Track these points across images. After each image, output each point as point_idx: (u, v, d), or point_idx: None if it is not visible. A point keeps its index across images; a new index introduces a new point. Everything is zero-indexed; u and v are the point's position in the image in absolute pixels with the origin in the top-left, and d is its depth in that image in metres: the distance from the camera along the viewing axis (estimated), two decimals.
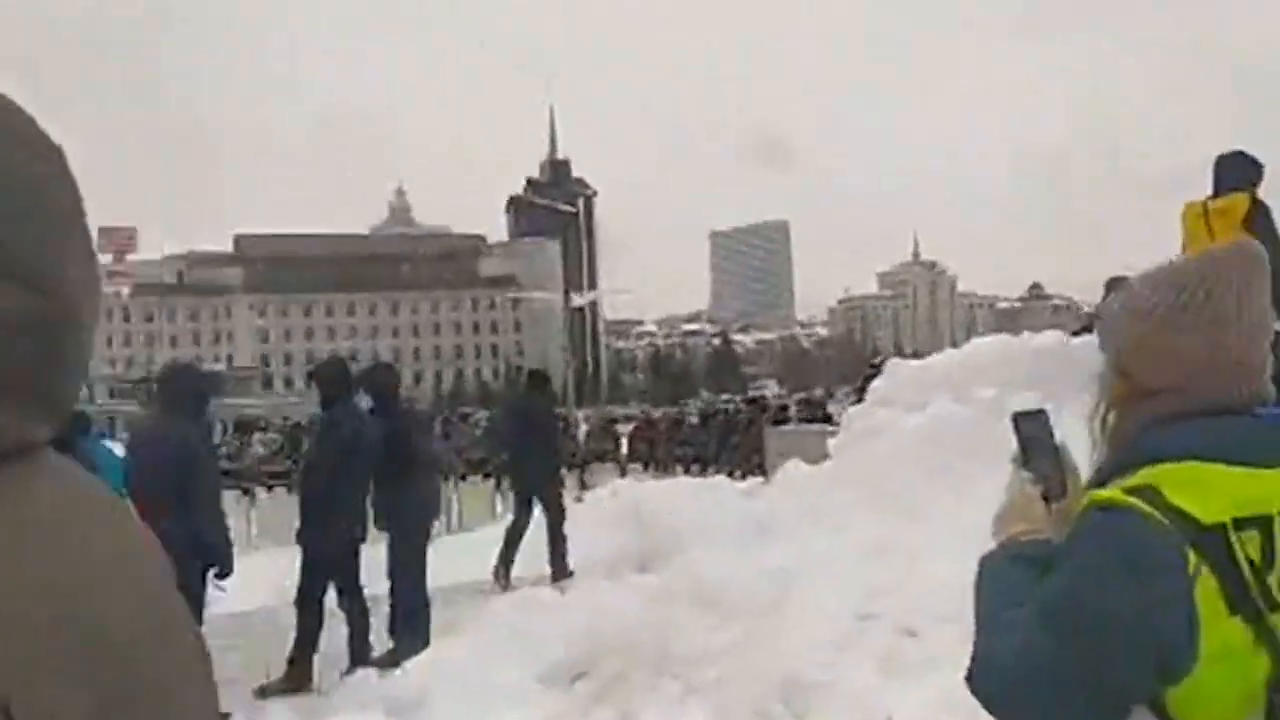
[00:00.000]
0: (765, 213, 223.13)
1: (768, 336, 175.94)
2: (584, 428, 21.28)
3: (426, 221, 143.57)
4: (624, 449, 18.01)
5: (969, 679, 1.35)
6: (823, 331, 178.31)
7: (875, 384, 7.31)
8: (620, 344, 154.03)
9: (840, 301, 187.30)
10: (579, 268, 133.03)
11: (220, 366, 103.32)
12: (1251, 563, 1.28)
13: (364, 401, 6.37)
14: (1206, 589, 1.27)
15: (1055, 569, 1.33)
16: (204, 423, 6.03)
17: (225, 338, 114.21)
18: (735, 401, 26.48)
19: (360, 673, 5.18)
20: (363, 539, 6.10)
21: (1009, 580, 1.39)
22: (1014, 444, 1.52)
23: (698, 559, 5.39)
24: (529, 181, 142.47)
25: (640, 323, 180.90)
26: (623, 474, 17.19)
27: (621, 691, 4.22)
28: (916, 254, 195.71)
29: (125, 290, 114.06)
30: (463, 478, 16.35)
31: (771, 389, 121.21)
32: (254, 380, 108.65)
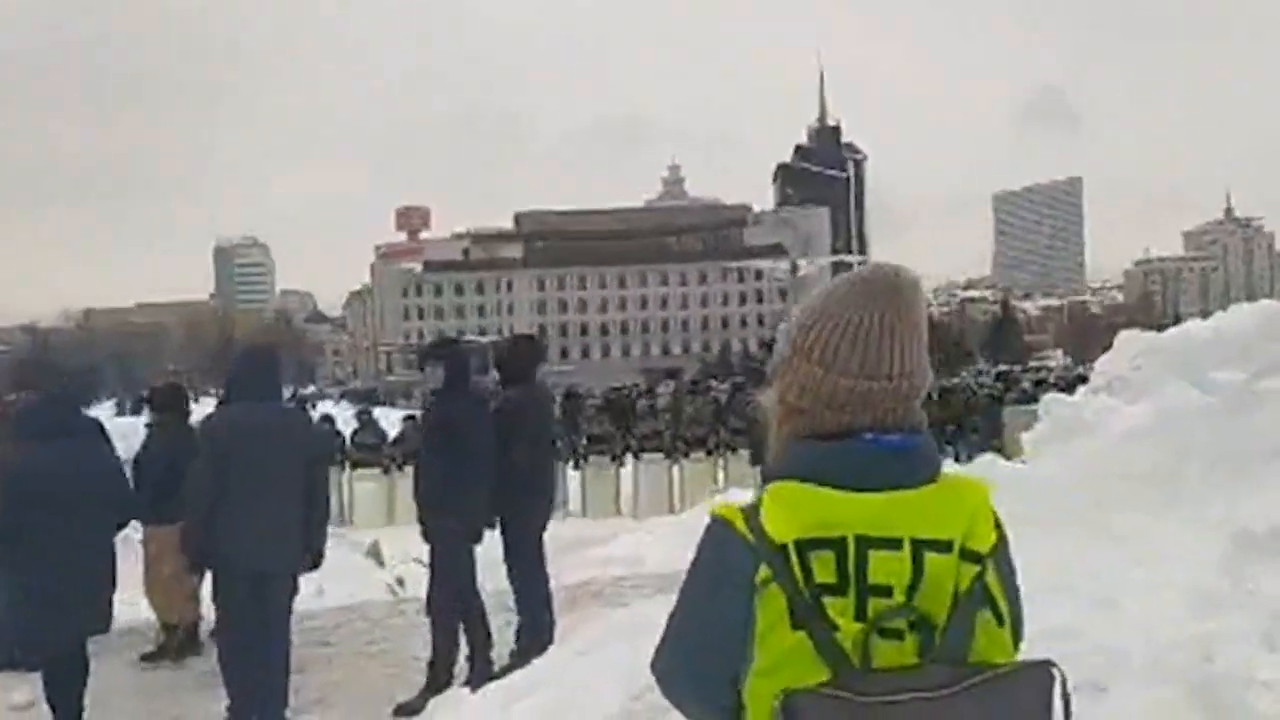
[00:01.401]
0: (1055, 172, 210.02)
1: (1054, 303, 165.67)
2: None
3: (698, 194, 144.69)
4: None
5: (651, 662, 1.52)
6: (1117, 297, 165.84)
7: (1101, 362, 6.06)
8: None
9: (1137, 264, 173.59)
10: (847, 235, 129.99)
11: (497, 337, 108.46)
12: (814, 582, 1.35)
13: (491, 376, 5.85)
14: (773, 604, 1.35)
15: None
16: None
17: (506, 310, 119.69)
18: (993, 371, 24.33)
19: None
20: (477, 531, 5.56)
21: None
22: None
23: None
24: (798, 149, 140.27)
25: None
26: None
27: None
28: (1229, 210, 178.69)
29: (418, 267, 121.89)
30: (686, 455, 15.74)
31: (1056, 359, 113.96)
32: None
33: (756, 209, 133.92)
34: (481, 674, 5.26)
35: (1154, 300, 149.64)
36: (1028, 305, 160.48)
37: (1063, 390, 14.64)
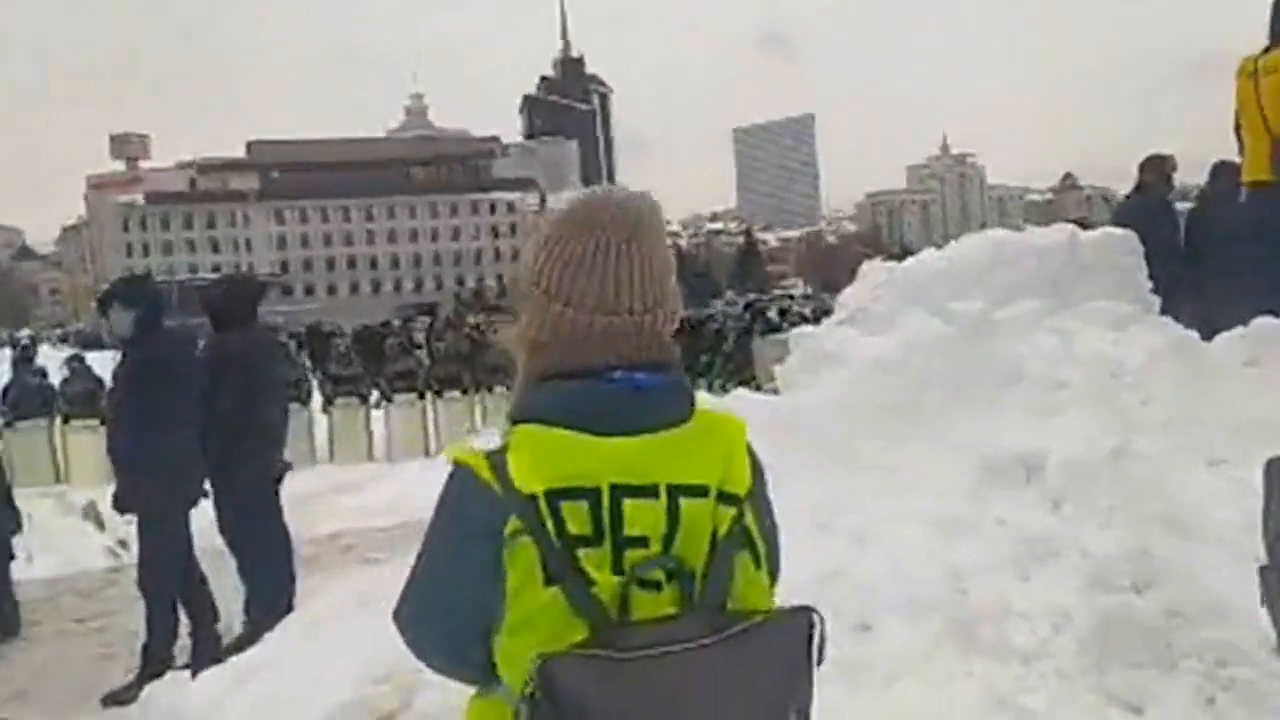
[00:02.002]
0: (789, 108, 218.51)
1: (793, 234, 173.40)
2: None
3: (443, 124, 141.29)
4: None
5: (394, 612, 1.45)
6: (850, 227, 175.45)
7: (842, 295, 6.10)
8: None
9: (867, 196, 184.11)
10: (597, 167, 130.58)
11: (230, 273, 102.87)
12: (568, 534, 1.28)
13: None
14: (524, 557, 1.28)
15: None
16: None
17: (244, 245, 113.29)
18: (740, 302, 25.07)
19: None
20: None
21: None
22: None
23: None
24: (543, 80, 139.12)
25: (666, 223, 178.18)
26: None
27: None
28: (945, 147, 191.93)
29: (139, 198, 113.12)
30: (440, 394, 15.25)
31: (798, 287, 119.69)
32: (273, 287, 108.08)
33: (505, 141, 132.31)
34: (205, 653, 4.77)
35: (882, 231, 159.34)
36: (769, 236, 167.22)
37: (809, 321, 15.14)
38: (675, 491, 1.32)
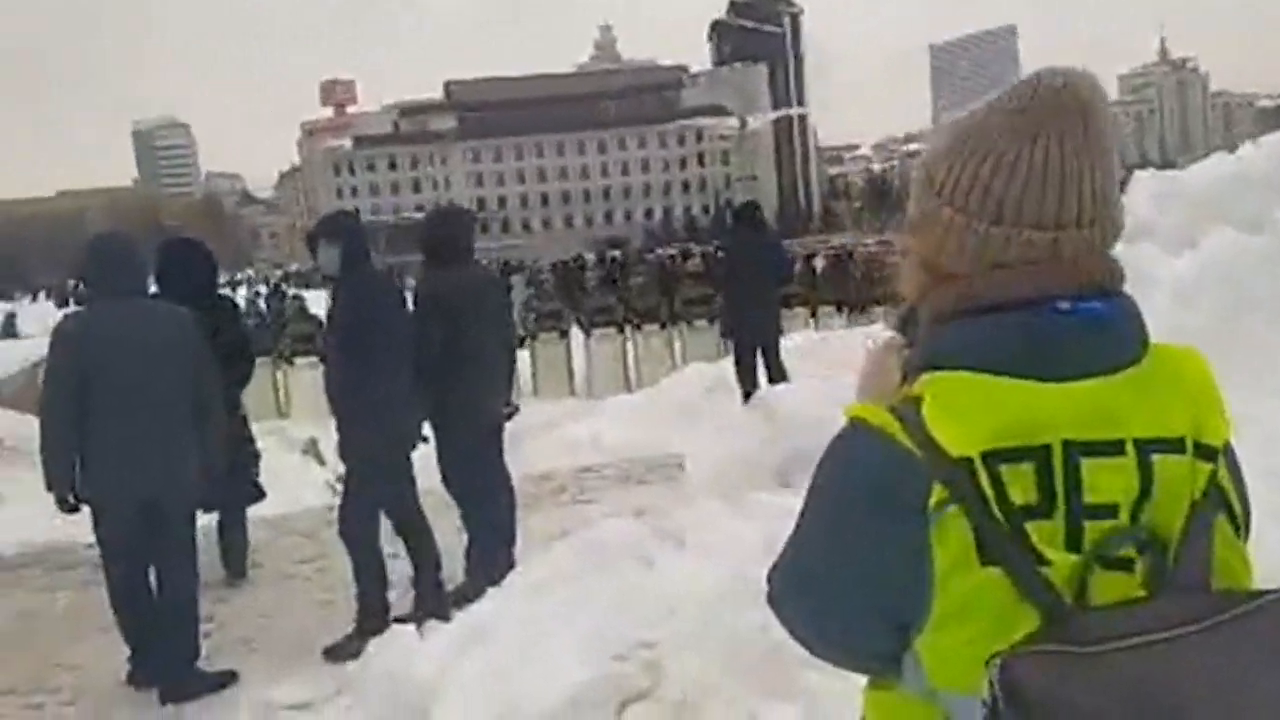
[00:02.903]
0: (989, 20, 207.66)
1: None
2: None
3: (632, 55, 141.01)
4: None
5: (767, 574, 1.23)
6: None
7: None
8: (835, 169, 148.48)
9: None
10: (786, 91, 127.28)
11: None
12: (1011, 504, 1.05)
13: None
14: (954, 534, 1.05)
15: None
16: None
17: (442, 184, 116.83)
18: None
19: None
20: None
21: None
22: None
23: None
24: (731, 4, 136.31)
25: (856, 147, 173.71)
26: (813, 317, 15.48)
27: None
28: (1163, 53, 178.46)
29: (347, 143, 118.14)
30: (639, 328, 14.97)
31: None
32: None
33: (694, 69, 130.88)
34: (428, 604, 4.56)
35: None
36: None
37: None
38: (1145, 447, 1.09)
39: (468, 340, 4.91)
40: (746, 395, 7.82)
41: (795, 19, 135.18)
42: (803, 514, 1.19)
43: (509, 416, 5.39)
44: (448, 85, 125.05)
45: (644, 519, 4.30)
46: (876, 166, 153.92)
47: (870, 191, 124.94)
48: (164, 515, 4.29)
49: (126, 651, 4.47)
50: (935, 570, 1.07)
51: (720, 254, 8.48)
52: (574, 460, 8.57)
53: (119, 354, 4.15)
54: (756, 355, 7.88)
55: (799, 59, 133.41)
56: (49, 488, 4.25)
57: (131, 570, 4.35)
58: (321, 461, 10.22)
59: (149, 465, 4.20)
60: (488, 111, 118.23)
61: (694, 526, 4.11)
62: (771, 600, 1.24)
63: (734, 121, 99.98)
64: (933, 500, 1.06)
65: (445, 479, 5.18)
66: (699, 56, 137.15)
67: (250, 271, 79.94)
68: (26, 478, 6.08)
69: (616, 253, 31.85)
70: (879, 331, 1.35)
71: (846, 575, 1.14)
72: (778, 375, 7.83)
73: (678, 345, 15.15)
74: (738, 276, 7.91)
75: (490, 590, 3.92)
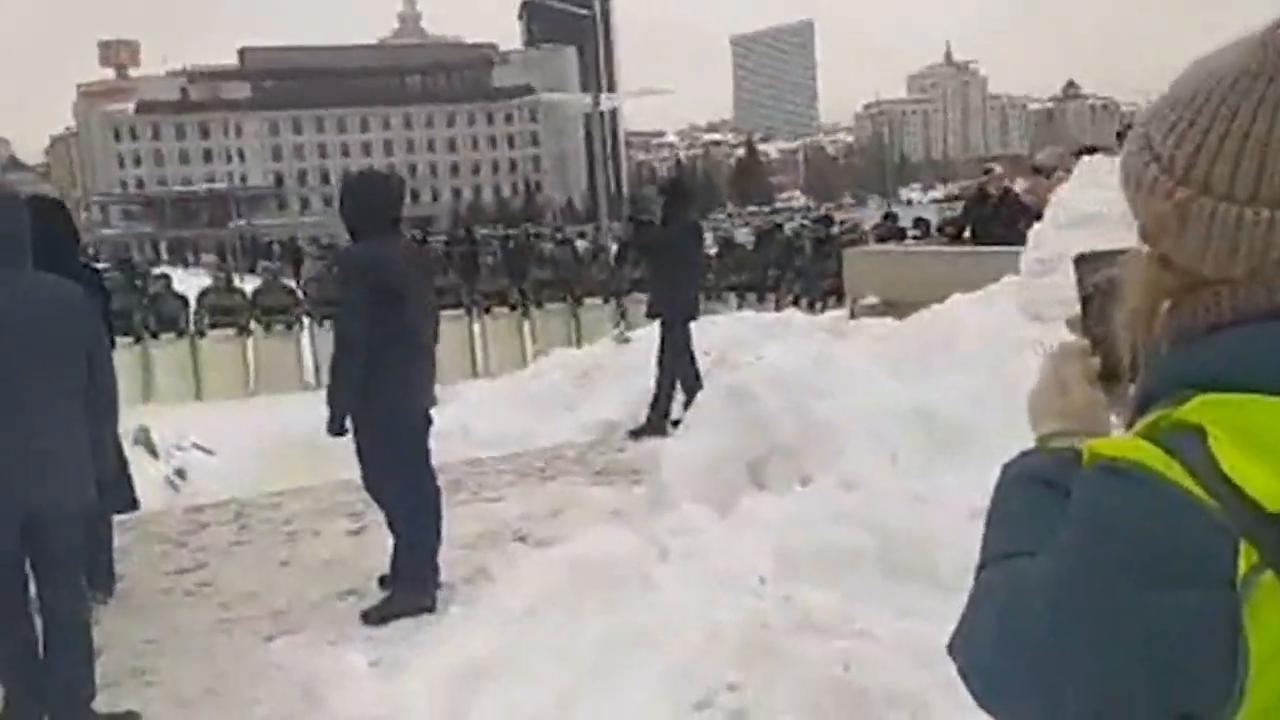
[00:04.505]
0: (788, 14, 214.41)
1: (792, 145, 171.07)
2: (613, 249, 18.87)
3: (438, 32, 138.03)
4: None
5: (950, 645, 0.99)
6: (848, 139, 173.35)
7: (1058, 194, 5.26)
8: (641, 156, 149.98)
9: (866, 107, 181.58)
10: (596, 76, 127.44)
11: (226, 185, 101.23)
12: None
13: None
14: (1269, 606, 0.83)
15: (1059, 532, 0.90)
16: None
17: (236, 155, 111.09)
18: (795, 217, 24.10)
19: None
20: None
21: (1019, 512, 1.00)
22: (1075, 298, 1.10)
23: (864, 472, 3.51)
24: None
25: (661, 134, 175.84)
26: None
27: None
28: (948, 55, 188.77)
29: (130, 107, 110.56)
30: (487, 311, 14.41)
31: (798, 199, 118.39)
32: (269, 200, 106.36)
33: (503, 48, 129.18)
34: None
35: (882, 142, 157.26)
36: (768, 148, 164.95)
37: (888, 235, 14.21)
38: None
39: (398, 320, 4.39)
40: (671, 380, 7.51)
41: (606, 3, 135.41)
42: (1011, 570, 0.96)
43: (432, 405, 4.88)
44: (242, 52, 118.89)
45: (621, 527, 3.89)
46: (682, 153, 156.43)
47: (677, 177, 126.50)
48: (50, 530, 3.56)
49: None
50: (1249, 656, 0.84)
51: (644, 231, 8.13)
52: (449, 453, 8.06)
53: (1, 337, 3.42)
54: (689, 334, 7.59)
55: (609, 43, 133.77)
56: None
57: (9, 596, 3.61)
58: (155, 454, 9.26)
59: (33, 471, 3.48)
60: (286, 81, 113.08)
61: (677, 534, 3.74)
62: (973, 682, 1.00)
63: (547, 96, 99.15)
64: (1242, 567, 0.83)
65: (367, 477, 4.63)
66: (509, 37, 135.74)
67: None
68: None
69: (415, 232, 31.07)
70: (1059, 336, 1.11)
71: (1107, 661, 0.89)
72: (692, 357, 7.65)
73: (526, 330, 14.71)
74: (672, 254, 7.58)
75: (462, 613, 3.45)
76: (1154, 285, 0.96)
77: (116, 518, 5.72)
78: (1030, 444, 1.10)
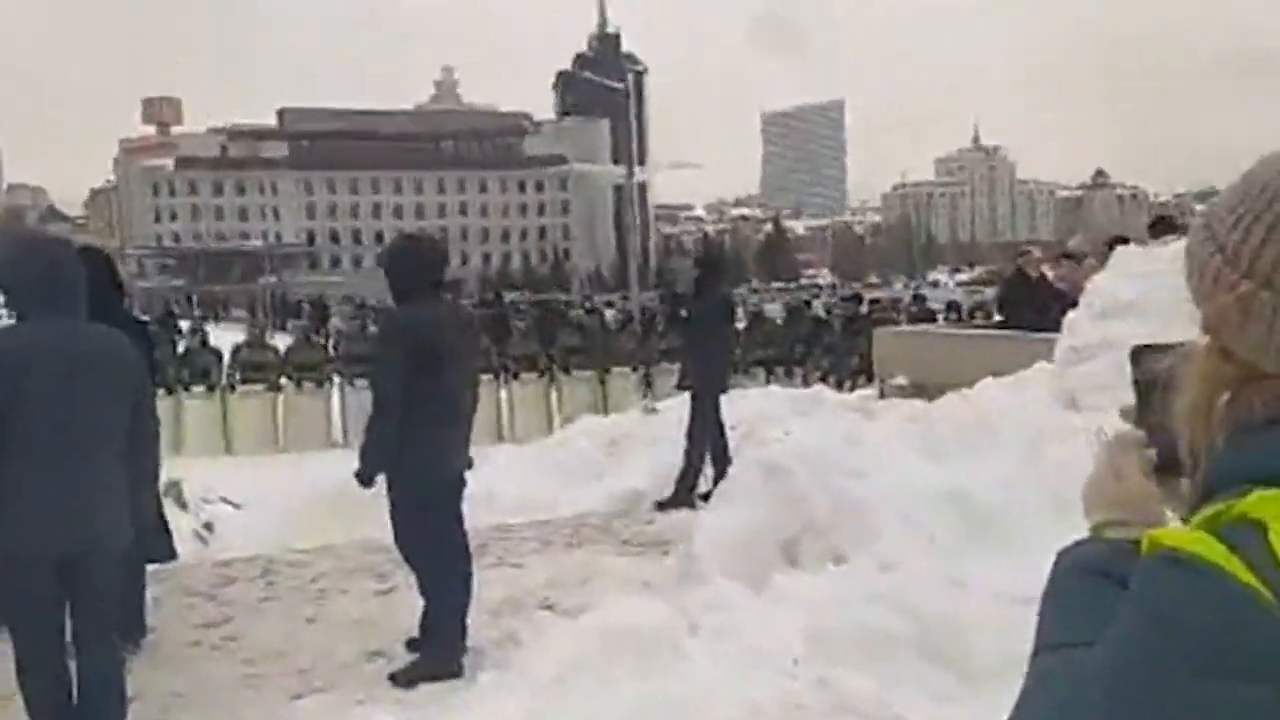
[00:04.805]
0: (820, 93, 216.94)
1: (820, 223, 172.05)
2: (640, 318, 19.03)
3: (473, 100, 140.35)
4: None
5: None
6: (876, 218, 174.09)
7: (1092, 283, 5.30)
8: (669, 228, 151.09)
9: (895, 188, 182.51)
10: (628, 147, 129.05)
11: (260, 242, 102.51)
12: None
13: None
14: None
15: (1117, 622, 0.89)
16: None
17: (271, 213, 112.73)
18: (822, 294, 24.12)
19: None
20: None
21: (1074, 601, 1.00)
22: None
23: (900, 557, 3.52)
24: (577, 57, 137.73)
25: (690, 207, 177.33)
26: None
27: None
28: (976, 139, 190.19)
29: (169, 163, 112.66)
30: (515, 376, 14.50)
31: (825, 278, 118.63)
32: (301, 258, 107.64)
33: (536, 118, 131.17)
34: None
35: (909, 223, 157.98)
36: (795, 225, 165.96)
37: (917, 317, 14.29)
38: None
39: (436, 382, 4.46)
40: (701, 453, 7.52)
41: (640, 77, 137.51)
42: (1068, 660, 0.96)
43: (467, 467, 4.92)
44: (281, 112, 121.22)
45: (651, 598, 3.89)
46: (710, 227, 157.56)
47: (705, 251, 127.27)
48: (90, 571, 3.61)
49: None
50: None
51: (678, 302, 8.21)
52: (474, 518, 8.07)
53: (49, 382, 3.50)
54: (720, 407, 7.62)
55: (641, 116, 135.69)
56: None
57: (48, 634, 3.64)
58: (184, 507, 9.32)
59: (77, 513, 3.54)
60: (322, 141, 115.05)
61: (709, 608, 3.74)
62: None
63: (577, 169, 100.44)
64: None
65: (398, 536, 4.66)
66: (543, 105, 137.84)
67: None
68: None
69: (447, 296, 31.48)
70: (1109, 424, 1.12)
71: None
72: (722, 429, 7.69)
73: (554, 396, 14.77)
74: (704, 326, 7.65)
75: (493, 679, 3.46)
76: (1213, 377, 0.97)
77: (149, 568, 5.79)
78: (1070, 532, 1.11)
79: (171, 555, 5.26)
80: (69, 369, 3.55)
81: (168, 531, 5.15)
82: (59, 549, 3.55)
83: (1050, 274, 9.84)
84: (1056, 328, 6.27)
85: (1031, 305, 8.81)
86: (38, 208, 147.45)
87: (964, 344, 9.35)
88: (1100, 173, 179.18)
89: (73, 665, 3.69)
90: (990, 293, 25.70)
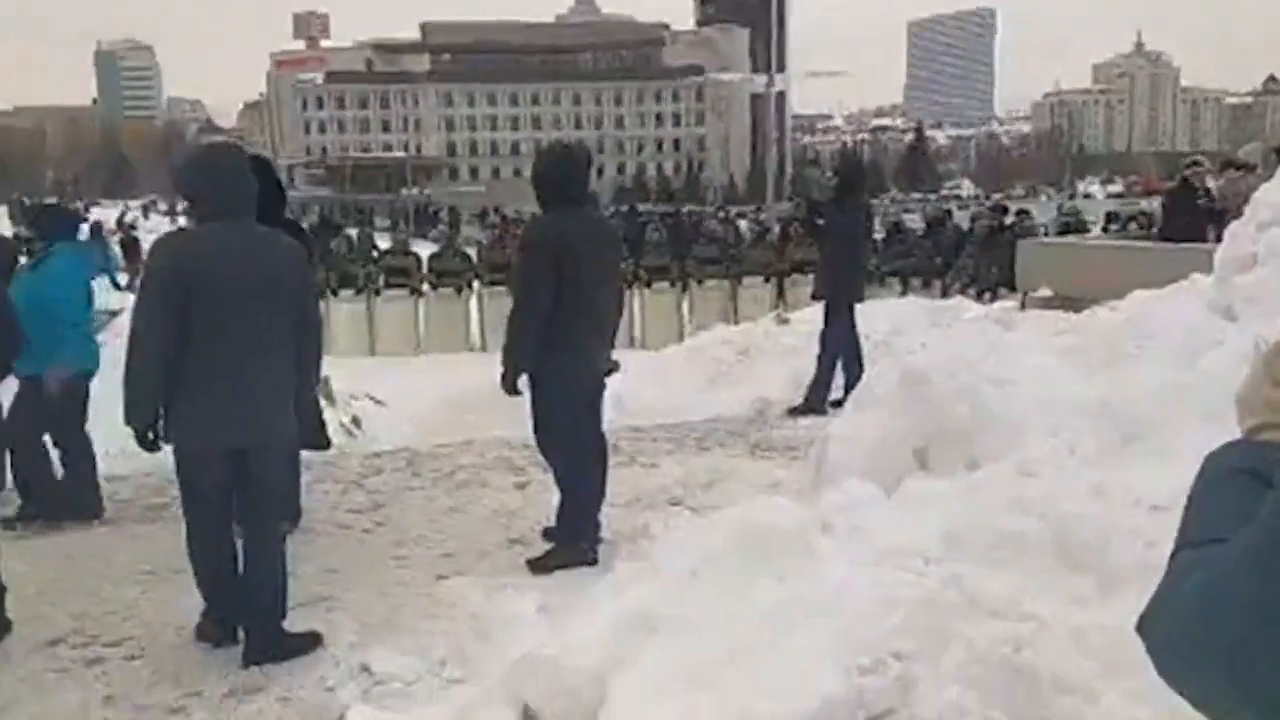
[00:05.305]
0: (967, 1, 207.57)
1: (964, 133, 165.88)
2: (777, 229, 18.78)
3: (612, 10, 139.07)
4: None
5: (1139, 623, 0.95)
6: (1025, 129, 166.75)
7: (1264, 190, 5.00)
8: (806, 139, 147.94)
9: (1046, 96, 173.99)
10: (767, 58, 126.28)
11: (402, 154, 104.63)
12: None
13: None
14: None
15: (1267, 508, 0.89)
16: None
17: (413, 125, 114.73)
18: (966, 204, 23.35)
19: None
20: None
21: (1222, 499, 0.98)
22: None
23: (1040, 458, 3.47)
24: None
25: (829, 117, 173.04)
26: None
27: None
28: (1138, 44, 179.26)
29: (319, 77, 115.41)
30: (648, 285, 14.58)
31: (966, 188, 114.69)
32: (441, 169, 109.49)
33: (675, 27, 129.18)
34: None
35: (1059, 134, 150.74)
36: (938, 135, 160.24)
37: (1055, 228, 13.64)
38: None
39: (578, 290, 4.53)
40: (833, 361, 7.50)
41: None
42: (1212, 551, 0.94)
43: (610, 373, 5.01)
44: (424, 26, 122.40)
45: (782, 498, 3.92)
46: (848, 139, 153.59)
47: (842, 161, 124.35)
48: (259, 462, 3.86)
49: (192, 600, 4.06)
50: None
51: (816, 211, 8.09)
52: (605, 420, 8.23)
53: (227, 282, 3.70)
54: (854, 317, 7.56)
55: (782, 25, 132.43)
56: (128, 422, 3.80)
57: (216, 518, 3.92)
58: (333, 401, 9.77)
59: (247, 410, 3.77)
60: (464, 55, 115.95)
61: (841, 510, 3.75)
62: (1164, 658, 0.97)
63: (714, 80, 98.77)
64: None
65: (539, 432, 4.81)
66: (682, 15, 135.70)
67: None
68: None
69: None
70: (1268, 332, 1.12)
71: None
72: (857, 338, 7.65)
73: (685, 305, 14.82)
74: (842, 236, 7.56)
75: (629, 568, 3.56)
76: None
77: (304, 454, 6.12)
78: (1220, 440, 1.09)
79: (326, 445, 5.54)
80: (249, 271, 3.75)
81: (323, 424, 5.41)
82: (233, 443, 3.80)
83: (1212, 186, 9.34)
84: (1217, 242, 5.96)
85: (1194, 216, 8.39)
86: (198, 120, 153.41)
87: (1113, 255, 8.97)
88: (1272, 79, 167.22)
89: (239, 542, 3.98)
90: (1146, 205, 24.49)
